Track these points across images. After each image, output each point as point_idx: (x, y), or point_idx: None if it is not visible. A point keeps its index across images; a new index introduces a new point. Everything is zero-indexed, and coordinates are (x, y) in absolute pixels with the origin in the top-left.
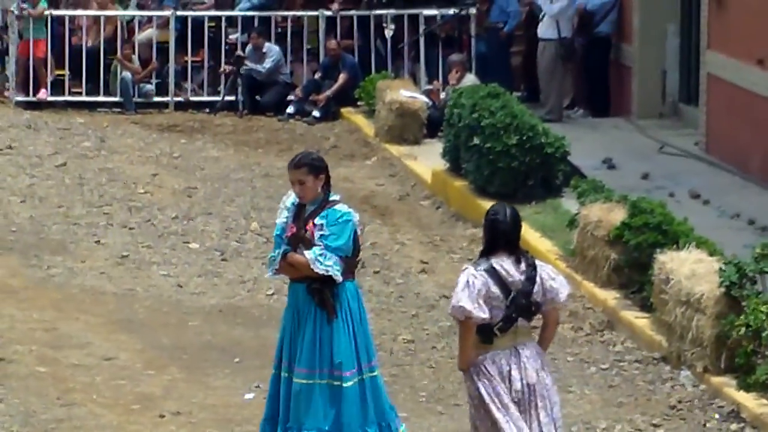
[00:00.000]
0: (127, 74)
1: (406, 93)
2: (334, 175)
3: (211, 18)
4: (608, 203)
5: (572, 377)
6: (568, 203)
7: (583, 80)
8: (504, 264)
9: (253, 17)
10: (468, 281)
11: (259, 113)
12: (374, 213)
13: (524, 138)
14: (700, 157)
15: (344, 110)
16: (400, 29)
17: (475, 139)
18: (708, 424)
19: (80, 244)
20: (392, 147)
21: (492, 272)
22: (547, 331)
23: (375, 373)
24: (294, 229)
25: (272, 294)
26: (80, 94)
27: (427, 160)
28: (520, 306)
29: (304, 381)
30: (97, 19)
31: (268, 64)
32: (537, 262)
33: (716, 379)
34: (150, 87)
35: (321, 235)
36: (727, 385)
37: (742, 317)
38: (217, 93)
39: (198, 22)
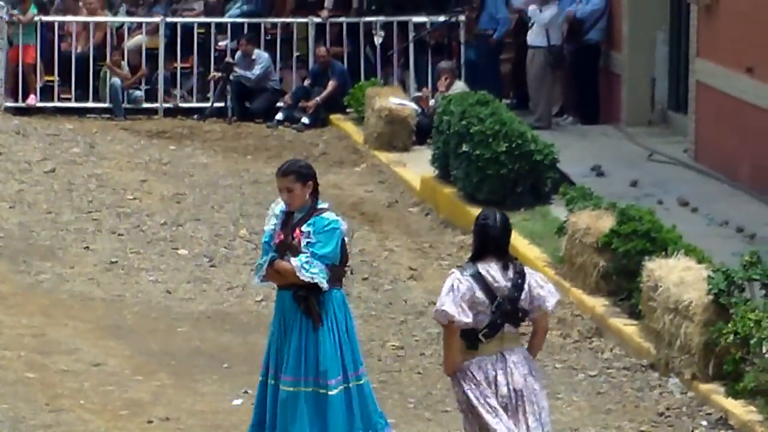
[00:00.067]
0: (117, 80)
1: (395, 100)
2: (323, 182)
3: (201, 24)
4: (597, 210)
5: (560, 384)
6: (557, 210)
7: (572, 87)
8: (491, 270)
9: (242, 24)
10: (453, 285)
11: (249, 120)
12: (363, 220)
13: (513, 145)
14: (689, 165)
15: (333, 117)
16: (390, 36)
17: (464, 146)
18: (696, 431)
19: (69, 250)
20: (381, 154)
21: (478, 277)
22: (535, 338)
23: (362, 381)
24: (282, 237)
25: (261, 300)
26: (69, 100)
27: (416, 167)
28: (506, 312)
29: (290, 388)
30: (86, 25)
31: (257, 70)
32: (526, 269)
33: (704, 386)
34: (139, 93)
35: (308, 243)
36: (716, 392)
37: (730, 325)
38: (207, 99)
39: (187, 28)
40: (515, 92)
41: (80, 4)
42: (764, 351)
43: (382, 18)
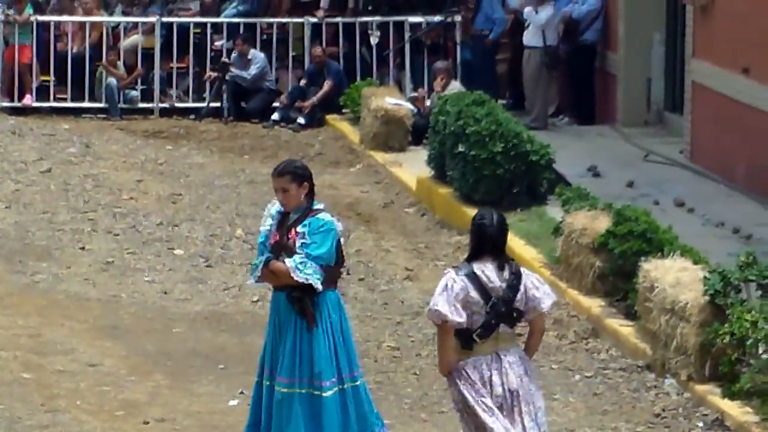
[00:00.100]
0: (113, 80)
1: (391, 100)
2: (319, 182)
3: (197, 24)
4: (593, 211)
5: (556, 385)
6: (553, 211)
7: (568, 88)
8: (486, 270)
9: (238, 24)
10: (447, 285)
11: (244, 120)
12: (359, 220)
13: (509, 145)
14: (685, 166)
15: (329, 117)
16: (386, 36)
17: (460, 146)
18: None
19: (65, 250)
20: (377, 154)
21: (472, 277)
22: (532, 339)
23: (357, 383)
24: (277, 237)
25: (257, 301)
26: (65, 100)
27: (412, 167)
28: (500, 313)
29: (285, 390)
30: (82, 25)
31: (253, 70)
32: (523, 270)
33: (700, 387)
34: (135, 93)
35: (302, 244)
36: (712, 393)
37: (726, 326)
38: (203, 99)
39: (183, 28)
40: (511, 92)
41: (76, 4)
42: (760, 352)
43: (378, 18)
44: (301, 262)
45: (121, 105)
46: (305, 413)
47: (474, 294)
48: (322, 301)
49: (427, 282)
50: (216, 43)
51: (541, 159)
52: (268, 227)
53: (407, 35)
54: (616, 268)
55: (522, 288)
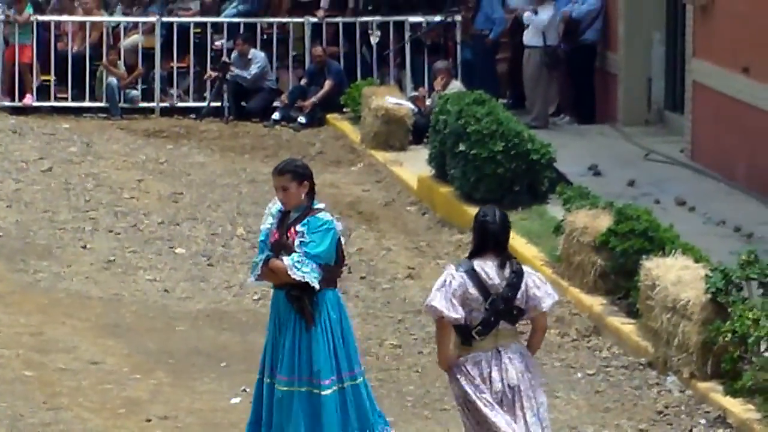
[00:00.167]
0: (113, 80)
1: (391, 99)
2: (319, 181)
3: (197, 24)
4: (594, 210)
5: (559, 383)
6: (554, 210)
7: (568, 87)
8: (486, 267)
9: (238, 24)
10: (445, 281)
11: (245, 119)
12: (360, 219)
13: (510, 144)
14: (686, 164)
15: (330, 116)
16: (386, 36)
17: (461, 145)
18: (694, 430)
19: (66, 249)
20: (378, 153)
21: (472, 274)
22: (534, 337)
23: (357, 382)
24: (277, 236)
25: (258, 299)
26: (66, 99)
27: (413, 166)
28: (499, 311)
29: (285, 388)
30: (82, 24)
31: (253, 70)
32: (525, 268)
33: (702, 385)
34: (135, 93)
35: (301, 242)
36: (714, 390)
37: (728, 323)
38: (203, 99)
39: (183, 28)
40: (511, 92)
41: (76, 4)
42: (762, 349)
43: (378, 18)
44: (298, 261)
45: (122, 104)
46: (305, 411)
47: (473, 291)
48: (321, 300)
49: (429, 280)
50: (216, 43)
51: (542, 158)
52: (269, 226)
53: (407, 35)
54: (617, 266)
55: (523, 287)
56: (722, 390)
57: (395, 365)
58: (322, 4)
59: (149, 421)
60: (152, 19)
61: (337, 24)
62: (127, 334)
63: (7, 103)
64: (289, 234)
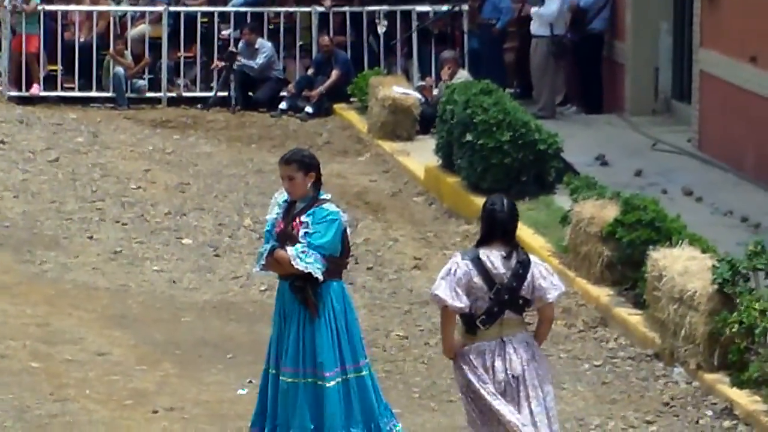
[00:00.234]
0: (120, 70)
1: (398, 89)
2: (326, 172)
3: (204, 14)
4: (601, 200)
5: (565, 374)
6: (561, 200)
7: (575, 77)
8: (491, 256)
9: (245, 13)
10: (450, 269)
11: (252, 109)
12: (367, 209)
13: (517, 134)
14: (693, 154)
15: (337, 106)
16: (393, 25)
17: (468, 135)
18: (701, 421)
19: (73, 240)
20: (385, 143)
21: (477, 262)
22: (541, 328)
23: (362, 374)
24: (282, 226)
25: (265, 290)
26: (73, 89)
27: (420, 156)
28: (504, 300)
29: (290, 379)
30: (89, 14)
31: (260, 60)
32: (533, 259)
33: (709, 376)
34: (142, 82)
35: (305, 233)
36: (720, 382)
37: (735, 314)
38: (210, 89)
39: (191, 17)
40: (519, 81)
41: None
42: None
43: (385, 7)
44: (302, 251)
45: (129, 94)
46: (310, 403)
47: (477, 280)
48: (325, 291)
49: (436, 271)
50: (223, 33)
51: (549, 148)
52: (275, 216)
53: (414, 24)
54: (624, 257)
55: (529, 277)
56: (729, 381)
57: (402, 356)
58: None
59: (156, 412)
60: (159, 8)
61: (344, 13)
62: (133, 325)
63: (14, 93)
64: (294, 224)
